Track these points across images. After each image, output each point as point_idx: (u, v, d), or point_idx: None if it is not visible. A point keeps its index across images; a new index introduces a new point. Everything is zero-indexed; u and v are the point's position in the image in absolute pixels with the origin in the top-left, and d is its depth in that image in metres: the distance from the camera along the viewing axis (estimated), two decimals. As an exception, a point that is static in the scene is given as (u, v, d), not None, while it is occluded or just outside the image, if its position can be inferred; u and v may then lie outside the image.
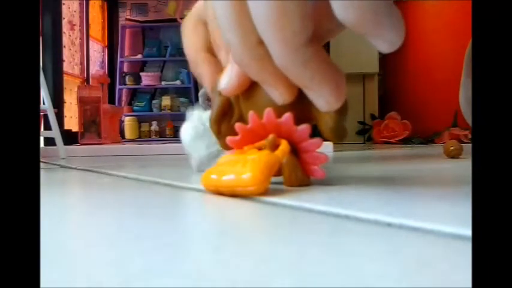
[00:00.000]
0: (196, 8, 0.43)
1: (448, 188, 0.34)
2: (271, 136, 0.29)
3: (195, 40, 0.41)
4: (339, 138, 0.30)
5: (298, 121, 0.29)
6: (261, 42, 0.24)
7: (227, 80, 0.30)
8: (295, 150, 0.30)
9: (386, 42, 0.21)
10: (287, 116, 0.29)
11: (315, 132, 0.30)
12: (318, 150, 0.30)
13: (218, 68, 0.38)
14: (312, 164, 0.30)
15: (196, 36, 0.41)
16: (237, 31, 0.24)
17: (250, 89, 0.30)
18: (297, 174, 0.30)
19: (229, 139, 0.31)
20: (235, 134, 0.31)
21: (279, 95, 0.27)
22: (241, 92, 0.30)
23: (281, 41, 0.23)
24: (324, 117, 0.29)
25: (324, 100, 0.25)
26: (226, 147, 0.32)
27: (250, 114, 0.30)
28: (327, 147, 1.23)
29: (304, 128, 0.29)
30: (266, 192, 0.27)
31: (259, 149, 0.30)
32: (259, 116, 0.30)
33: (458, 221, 0.19)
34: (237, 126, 0.31)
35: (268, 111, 0.29)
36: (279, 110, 0.29)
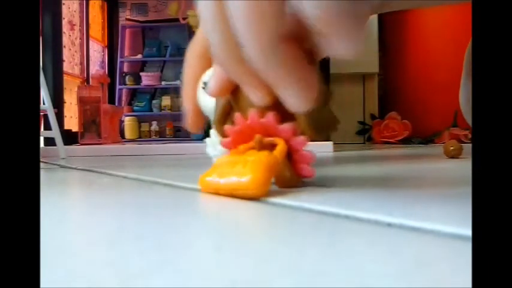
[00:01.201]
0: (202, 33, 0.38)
1: (448, 188, 0.34)
2: (257, 137, 0.29)
3: (195, 71, 0.38)
4: (320, 132, 0.29)
5: (284, 121, 0.29)
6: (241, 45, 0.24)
7: (213, 83, 0.30)
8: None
9: (343, 45, 0.21)
10: (269, 116, 0.29)
11: None
12: (306, 148, 0.29)
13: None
14: (300, 162, 0.30)
15: (197, 68, 0.37)
16: (218, 33, 0.24)
17: (237, 90, 0.30)
18: (286, 175, 0.30)
19: (221, 141, 0.32)
20: None
21: (259, 97, 0.27)
22: (228, 93, 0.30)
23: (252, 40, 0.23)
24: (300, 116, 0.29)
25: (293, 101, 0.25)
26: None
27: (236, 116, 0.30)
28: (327, 147, 1.23)
29: (287, 126, 0.29)
30: (267, 194, 0.27)
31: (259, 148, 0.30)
32: (245, 117, 0.30)
33: (458, 221, 0.19)
34: (226, 128, 0.31)
35: (251, 113, 0.29)
36: (264, 111, 0.29)
